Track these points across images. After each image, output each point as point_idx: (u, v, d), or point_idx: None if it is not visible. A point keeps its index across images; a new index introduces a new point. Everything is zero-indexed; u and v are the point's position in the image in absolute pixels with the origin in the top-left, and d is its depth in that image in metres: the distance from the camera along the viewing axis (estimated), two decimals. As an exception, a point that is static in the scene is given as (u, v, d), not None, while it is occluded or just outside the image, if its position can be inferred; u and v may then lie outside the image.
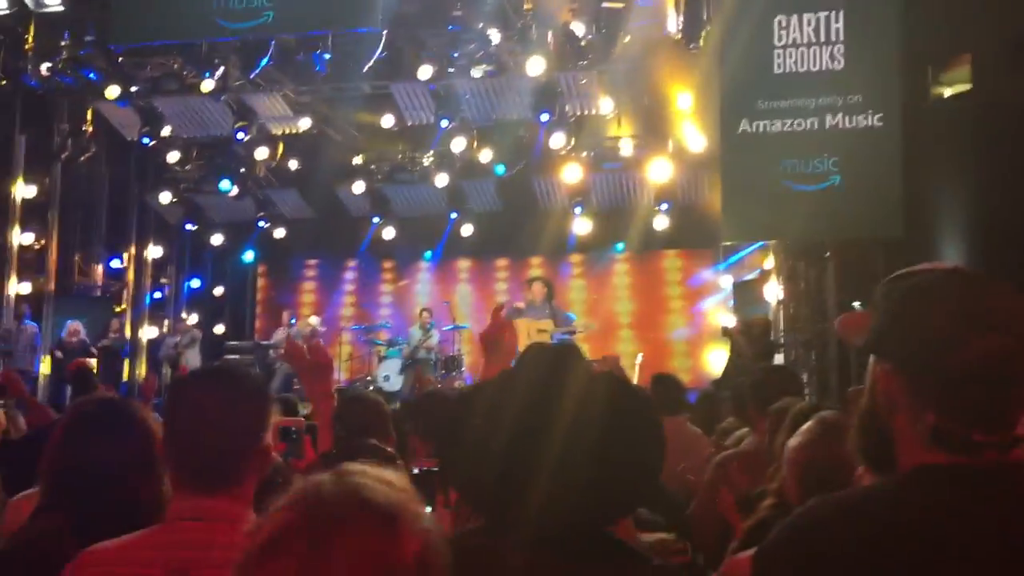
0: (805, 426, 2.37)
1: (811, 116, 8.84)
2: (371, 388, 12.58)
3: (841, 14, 8.89)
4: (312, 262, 16.49)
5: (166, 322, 15.53)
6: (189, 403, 1.88)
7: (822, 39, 8.91)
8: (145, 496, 2.03)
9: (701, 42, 9.66)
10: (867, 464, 1.49)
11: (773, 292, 11.05)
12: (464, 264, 15.92)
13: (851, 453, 1.51)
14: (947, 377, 1.31)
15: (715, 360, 12.87)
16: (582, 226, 14.07)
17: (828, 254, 9.57)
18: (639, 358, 12.48)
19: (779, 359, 9.82)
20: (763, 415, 3.31)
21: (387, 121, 13.38)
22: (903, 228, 8.45)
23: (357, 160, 14.66)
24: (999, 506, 1.28)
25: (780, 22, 9.02)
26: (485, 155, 13.83)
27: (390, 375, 13.19)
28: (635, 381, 8.13)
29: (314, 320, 14.16)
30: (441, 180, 14.06)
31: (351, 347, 14.77)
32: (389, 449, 2.52)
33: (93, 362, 12.49)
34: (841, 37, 8.85)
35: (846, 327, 1.55)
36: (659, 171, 12.72)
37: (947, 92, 9.10)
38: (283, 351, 11.66)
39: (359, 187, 14.39)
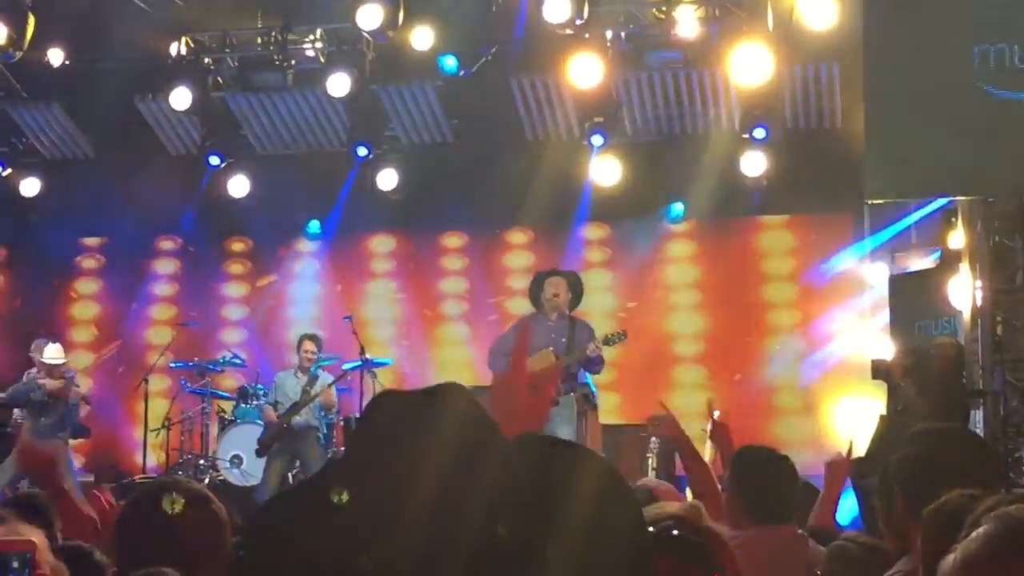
0: (976, 532, 2.41)
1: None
2: (206, 479, 12.50)
3: None
4: (93, 242, 16.47)
5: None
6: None
7: None
8: None
9: None
10: None
11: (965, 293, 11.09)
12: (382, 243, 15.98)
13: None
14: None
15: (858, 422, 12.90)
16: (606, 171, 14.18)
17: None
18: (714, 417, 12.50)
19: (978, 419, 9.85)
20: (917, 519, 3.34)
21: (234, -27, 13.36)
22: None
23: (177, 47, 14.66)
24: None
25: None
26: (421, 36, 13.86)
27: (242, 455, 13.12)
28: (708, 457, 8.17)
29: (51, 353, 13.11)
30: (338, 85, 14.13)
31: (168, 403, 14.75)
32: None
33: None
34: None
35: None
36: (749, 68, 12.81)
37: None
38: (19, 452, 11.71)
39: (181, 98, 14.41)
